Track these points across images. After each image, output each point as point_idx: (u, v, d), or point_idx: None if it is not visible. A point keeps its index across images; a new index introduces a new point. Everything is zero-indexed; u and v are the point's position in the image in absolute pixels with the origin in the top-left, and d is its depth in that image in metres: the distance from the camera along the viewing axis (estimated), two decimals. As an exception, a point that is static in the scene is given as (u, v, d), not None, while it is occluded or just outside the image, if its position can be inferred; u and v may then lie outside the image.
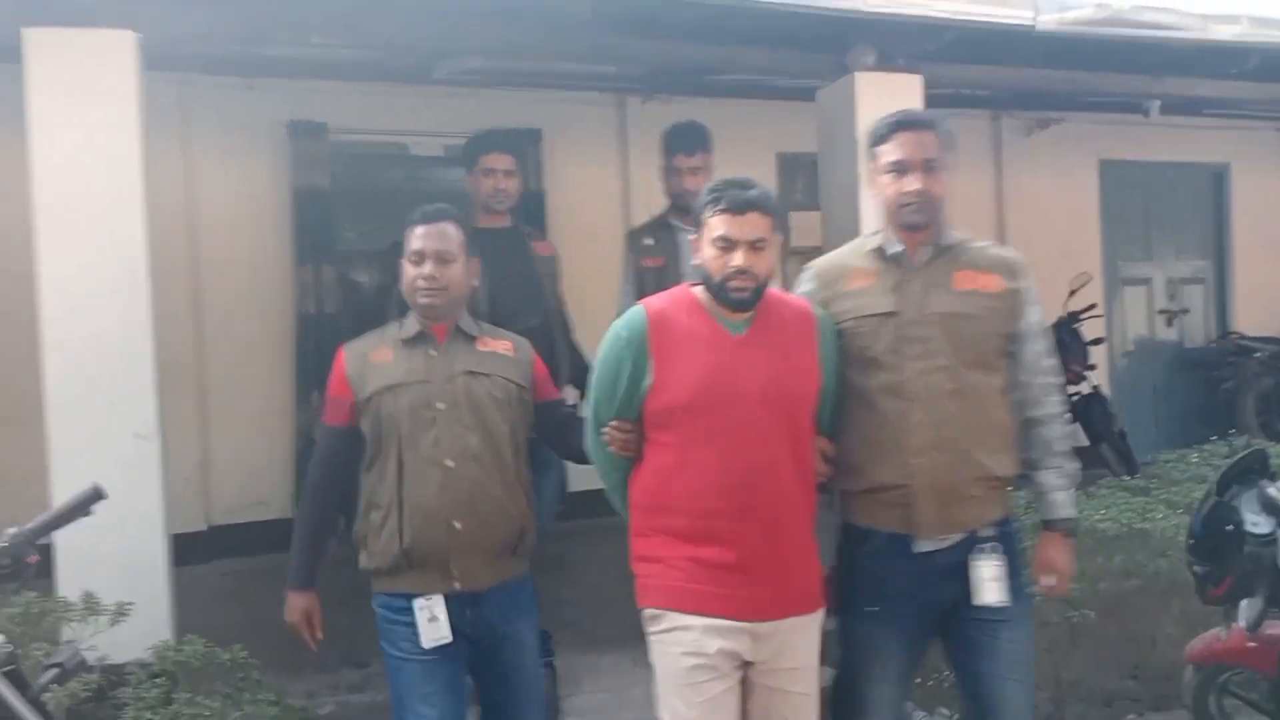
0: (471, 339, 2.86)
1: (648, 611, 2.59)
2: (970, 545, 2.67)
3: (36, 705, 1.94)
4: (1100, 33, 4.75)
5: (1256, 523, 2.92)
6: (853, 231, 3.98)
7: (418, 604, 2.69)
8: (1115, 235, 8.34)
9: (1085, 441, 6.80)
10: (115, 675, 3.10)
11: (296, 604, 2.84)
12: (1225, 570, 2.98)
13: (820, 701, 2.67)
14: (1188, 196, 8.67)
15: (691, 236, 2.66)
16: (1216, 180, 8.71)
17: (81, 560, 3.35)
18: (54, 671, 2.03)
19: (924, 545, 2.67)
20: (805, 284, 2.83)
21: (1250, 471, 3.07)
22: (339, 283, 6.26)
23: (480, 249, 2.99)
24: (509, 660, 2.82)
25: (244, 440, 6.08)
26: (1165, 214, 8.59)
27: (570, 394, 3.97)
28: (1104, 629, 3.86)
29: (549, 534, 4.00)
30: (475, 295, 3.29)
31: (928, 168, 2.67)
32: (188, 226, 5.92)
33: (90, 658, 2.43)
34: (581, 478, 3.49)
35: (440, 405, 2.74)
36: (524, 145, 6.14)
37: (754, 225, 2.51)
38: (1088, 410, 6.99)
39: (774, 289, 2.66)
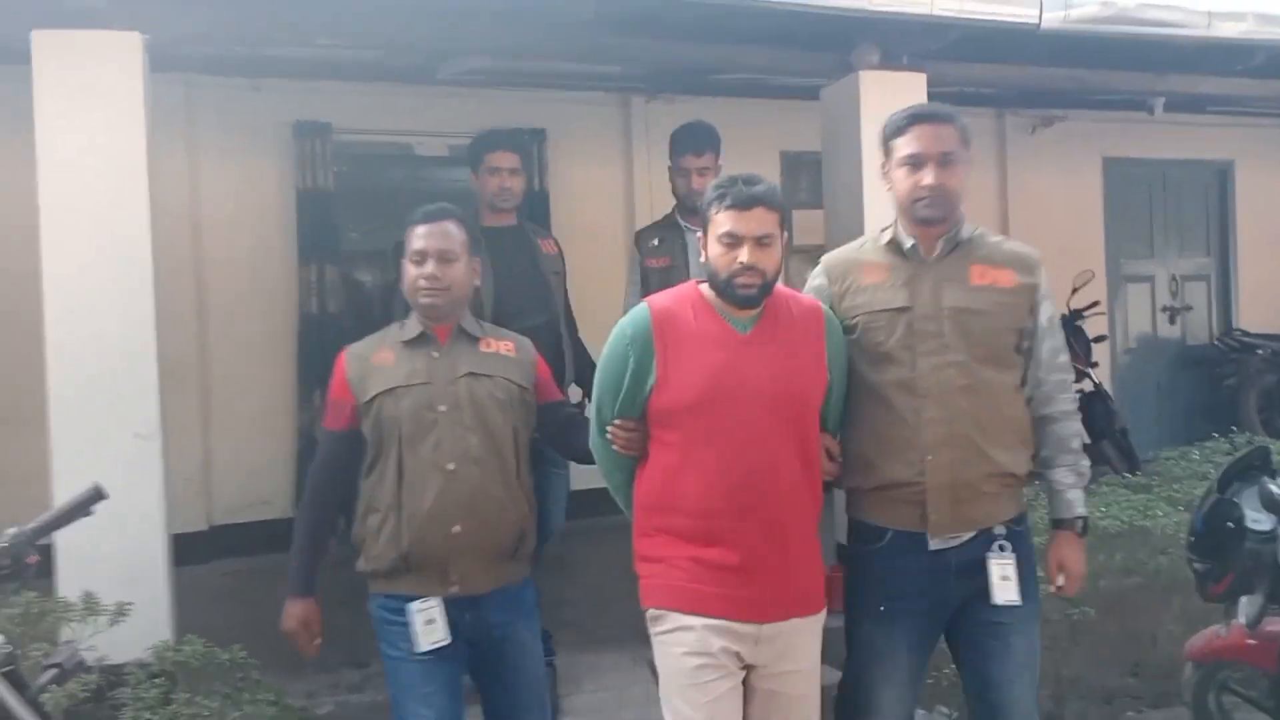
0: (475, 340, 2.84)
1: (650, 612, 2.57)
2: (982, 544, 2.64)
3: (35, 706, 1.94)
4: (1104, 30, 4.73)
5: (1258, 520, 2.93)
6: (857, 230, 3.97)
7: (412, 608, 2.66)
8: (1119, 232, 8.32)
9: (1087, 439, 6.75)
10: (114, 675, 3.08)
11: (294, 611, 2.80)
12: (1226, 567, 2.99)
13: (824, 702, 2.65)
14: (1192, 194, 8.65)
15: (697, 234, 2.63)
16: (1221, 178, 8.69)
17: (81, 560, 3.34)
18: (52, 672, 2.02)
19: (936, 543, 2.63)
20: (816, 278, 2.80)
21: (1252, 468, 3.08)
22: (342, 283, 6.27)
23: (486, 248, 2.98)
24: (510, 662, 2.80)
25: (246, 440, 6.07)
26: (1169, 211, 8.57)
27: (575, 392, 3.98)
28: (1104, 626, 3.86)
29: (558, 536, 4.01)
30: (480, 294, 3.30)
31: (944, 161, 2.63)
32: (192, 226, 5.93)
33: (89, 658, 2.44)
34: (582, 477, 3.47)
35: (442, 407, 2.71)
36: (529, 144, 6.14)
37: (760, 221, 2.47)
38: (1090, 407, 6.95)
39: (783, 286, 2.62)
